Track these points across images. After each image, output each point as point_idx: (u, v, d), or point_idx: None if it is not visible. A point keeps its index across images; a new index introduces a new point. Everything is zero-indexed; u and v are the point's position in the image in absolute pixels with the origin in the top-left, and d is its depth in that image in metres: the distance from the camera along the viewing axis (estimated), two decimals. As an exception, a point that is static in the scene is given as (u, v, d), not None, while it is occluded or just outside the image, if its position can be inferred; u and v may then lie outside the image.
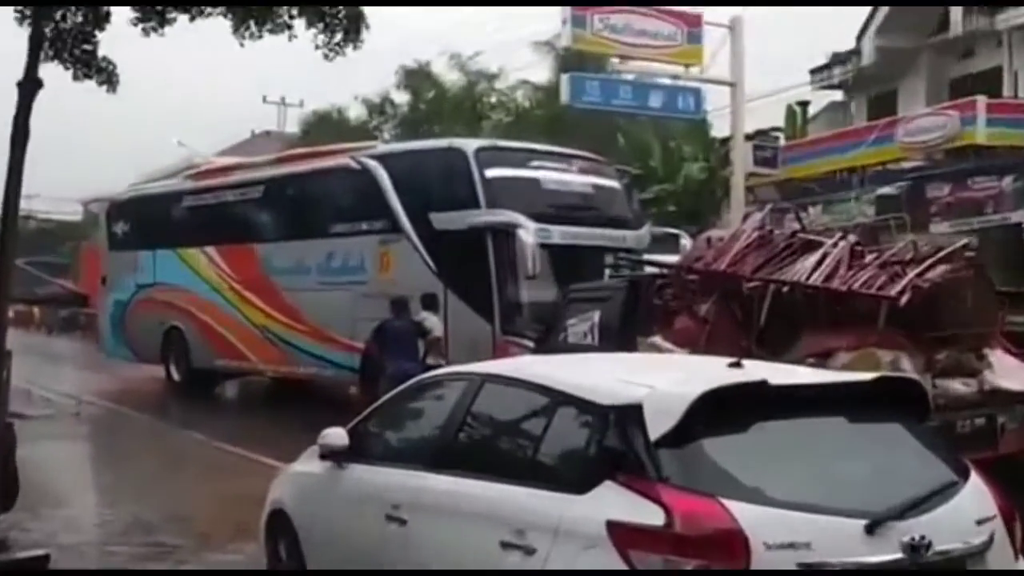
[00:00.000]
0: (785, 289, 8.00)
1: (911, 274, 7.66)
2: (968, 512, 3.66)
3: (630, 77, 19.08)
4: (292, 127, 39.37)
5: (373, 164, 14.12)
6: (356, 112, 35.20)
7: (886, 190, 20.58)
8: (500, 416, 4.54)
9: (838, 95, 25.69)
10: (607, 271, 12.52)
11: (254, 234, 16.26)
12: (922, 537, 3.45)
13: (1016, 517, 3.81)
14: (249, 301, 16.10)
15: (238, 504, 7.61)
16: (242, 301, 16.25)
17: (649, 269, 10.58)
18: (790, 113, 25.20)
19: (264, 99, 43.62)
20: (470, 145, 13.37)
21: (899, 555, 3.43)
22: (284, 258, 15.49)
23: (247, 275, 16.17)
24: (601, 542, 3.50)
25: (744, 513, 3.39)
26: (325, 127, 34.10)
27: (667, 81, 18.60)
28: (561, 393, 4.08)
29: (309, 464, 5.46)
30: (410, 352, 11.16)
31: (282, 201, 16.00)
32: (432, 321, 11.68)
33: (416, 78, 32.88)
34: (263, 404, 16.74)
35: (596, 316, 9.73)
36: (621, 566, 3.44)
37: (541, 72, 30.40)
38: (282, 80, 60.59)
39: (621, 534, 3.47)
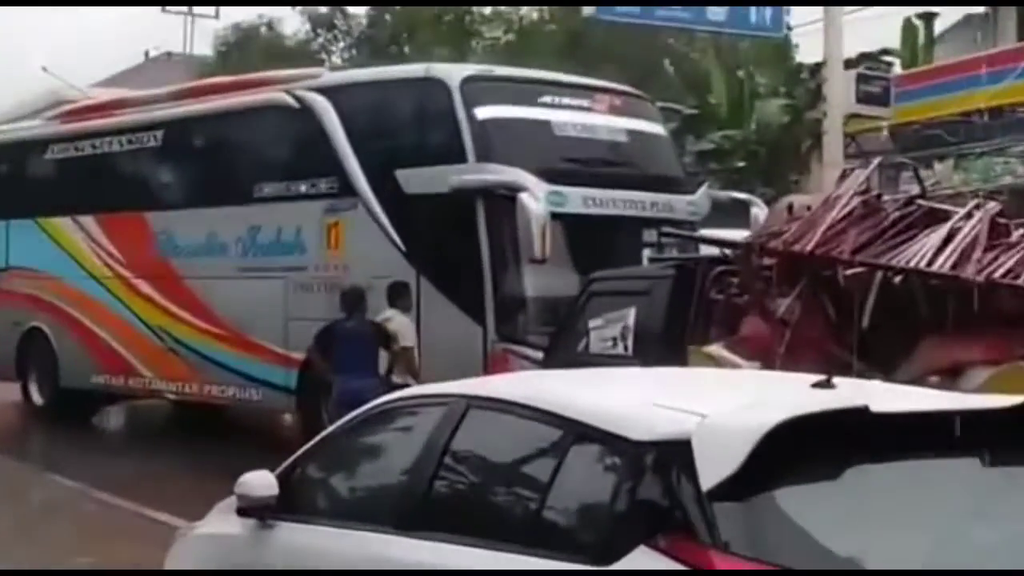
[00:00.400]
0: (898, 279, 8.01)
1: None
2: None
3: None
4: (203, 47, 39.40)
5: (317, 100, 14.16)
6: (294, 27, 35.22)
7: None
8: (492, 456, 4.55)
9: (977, 6, 25.66)
10: (646, 252, 12.53)
11: (148, 199, 16.33)
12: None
13: None
14: (140, 293, 16.19)
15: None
16: (131, 293, 16.33)
17: (706, 250, 10.58)
18: (908, 30, 25.21)
19: (164, 8, 43.53)
20: (454, 74, 13.40)
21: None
22: (190, 233, 15.56)
23: (138, 257, 16.25)
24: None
25: (839, 597, 3.41)
26: (250, 48, 34.11)
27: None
28: (578, 424, 4.09)
29: (222, 523, 5.47)
30: (366, 365, 11.19)
31: (187, 152, 16.05)
32: (400, 322, 11.71)
33: (378, -21, 32.88)
34: (161, 439, 16.78)
35: (630, 316, 9.74)
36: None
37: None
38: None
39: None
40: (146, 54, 43.61)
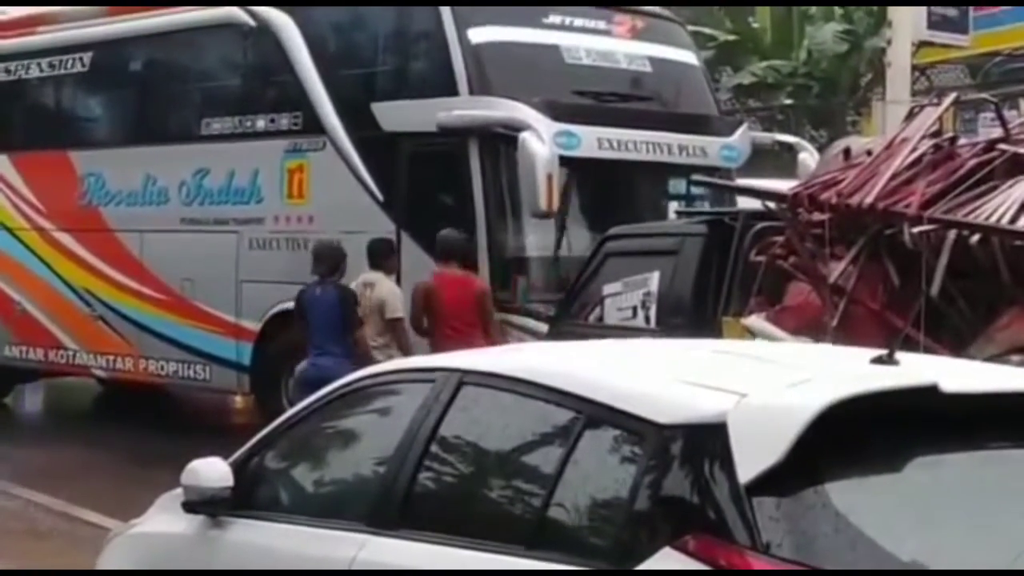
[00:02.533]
0: (976, 238, 8.01)
1: None
2: None
3: None
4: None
5: (278, 17, 14.13)
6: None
7: None
8: (489, 441, 4.58)
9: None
10: (673, 205, 12.56)
11: (72, 135, 16.38)
12: None
13: None
14: (63, 249, 16.19)
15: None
16: (51, 249, 16.33)
17: (745, 202, 10.61)
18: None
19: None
20: (443, -13, 13.42)
21: None
22: (123, 176, 15.55)
23: (60, 205, 16.25)
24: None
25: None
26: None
27: None
28: (591, 403, 4.11)
29: (165, 521, 5.51)
30: (336, 340, 11.22)
31: (120, 80, 16.06)
32: (386, 288, 11.70)
33: None
34: (88, 424, 16.82)
35: (653, 280, 9.79)
36: None
37: None
38: None
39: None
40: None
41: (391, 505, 4.59)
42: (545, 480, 4.17)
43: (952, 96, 10.37)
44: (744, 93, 26.34)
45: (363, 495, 4.80)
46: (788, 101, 26.28)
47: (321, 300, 11.47)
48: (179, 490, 5.32)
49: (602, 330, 9.69)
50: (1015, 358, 7.49)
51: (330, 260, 11.67)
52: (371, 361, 10.79)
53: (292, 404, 6.03)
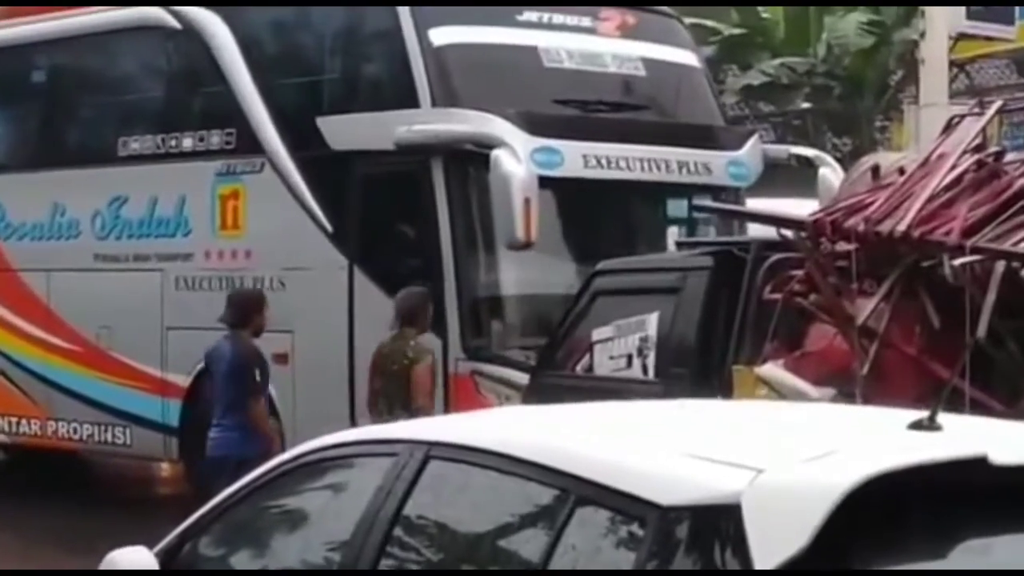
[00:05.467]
0: (1028, 271, 8.06)
1: None
2: None
3: None
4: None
5: (208, 19, 14.19)
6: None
7: None
8: (461, 524, 4.59)
9: None
10: (673, 233, 12.59)
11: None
12: None
13: None
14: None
15: None
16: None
17: (757, 229, 10.63)
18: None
19: None
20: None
21: None
22: (25, 206, 15.57)
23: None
24: None
25: None
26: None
27: None
28: (582, 481, 4.11)
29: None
30: (228, 406, 11.11)
31: (23, 92, 16.07)
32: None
33: None
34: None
35: (651, 323, 9.81)
36: None
37: None
38: None
39: None
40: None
41: (349, 602, 4.59)
42: (528, 571, 4.17)
43: (998, 102, 10.41)
44: (754, 96, 26.37)
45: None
46: (806, 105, 26.35)
47: (221, 357, 11.37)
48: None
49: (592, 382, 9.71)
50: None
51: (240, 307, 11.55)
52: (266, 439, 10.72)
53: (230, 481, 6.00)
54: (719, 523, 3.73)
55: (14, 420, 15.69)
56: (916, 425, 4.16)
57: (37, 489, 15.92)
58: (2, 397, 15.69)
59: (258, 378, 11.14)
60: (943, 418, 4.22)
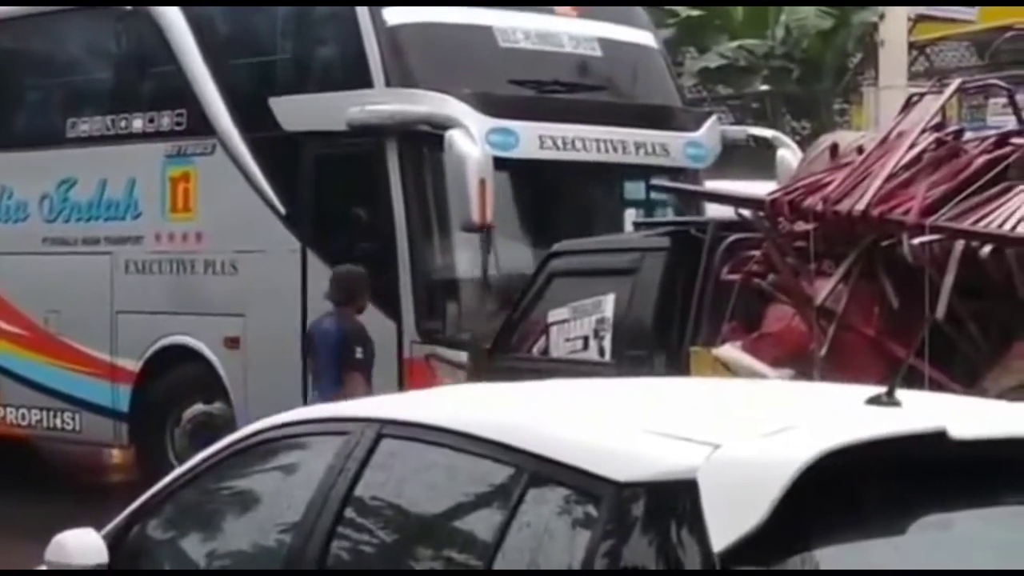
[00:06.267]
0: (987, 250, 8.07)
1: None
2: None
3: None
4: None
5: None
6: None
7: None
8: (414, 504, 4.57)
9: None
10: (630, 214, 12.60)
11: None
12: None
13: None
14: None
15: None
16: None
17: (715, 210, 10.65)
18: None
19: None
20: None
21: None
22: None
23: None
24: None
25: None
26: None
27: None
28: (535, 457, 4.10)
29: (27, 605, 5.48)
30: (332, 382, 11.19)
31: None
32: None
33: None
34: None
35: (608, 305, 9.83)
36: None
37: None
38: None
39: None
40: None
41: (300, 580, 4.57)
42: (482, 549, 4.15)
43: (957, 81, 10.45)
44: (712, 78, 26.46)
45: (268, 568, 4.78)
46: (764, 87, 26.43)
47: (326, 333, 11.44)
48: (43, 567, 5.25)
49: (547, 364, 9.72)
50: (1034, 392, 7.56)
51: (345, 286, 11.59)
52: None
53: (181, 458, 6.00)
54: (676, 499, 3.73)
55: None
56: (874, 400, 4.16)
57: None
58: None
59: (360, 355, 11.18)
60: (901, 394, 4.23)
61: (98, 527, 5.27)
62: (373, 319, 12.30)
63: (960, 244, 8.14)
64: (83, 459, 16.10)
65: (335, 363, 11.22)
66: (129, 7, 14.18)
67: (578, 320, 9.97)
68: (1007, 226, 8.10)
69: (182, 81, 13.75)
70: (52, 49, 15.36)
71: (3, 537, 11.46)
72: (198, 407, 13.11)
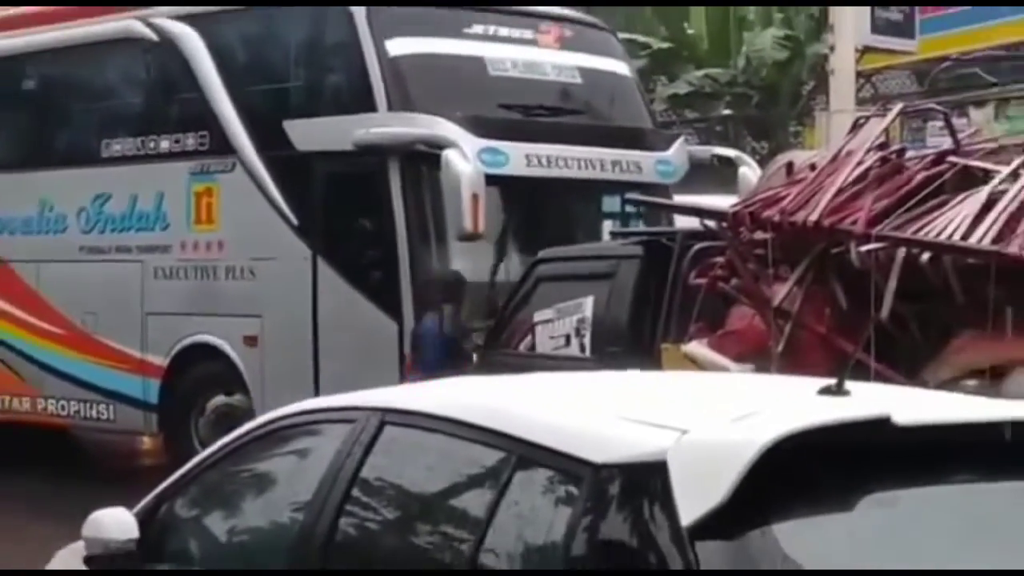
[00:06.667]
0: (926, 257, 8.07)
1: None
2: None
3: None
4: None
5: (182, 30, 14.09)
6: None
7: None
8: (413, 485, 4.56)
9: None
10: (607, 225, 12.60)
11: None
12: None
13: None
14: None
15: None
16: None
17: (683, 221, 10.65)
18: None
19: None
20: (358, -3, 13.40)
21: None
22: (17, 203, 15.43)
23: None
24: None
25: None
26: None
27: None
28: (522, 442, 4.09)
29: (65, 577, 5.44)
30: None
31: (13, 99, 15.92)
32: None
33: None
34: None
35: (587, 306, 9.82)
36: None
37: None
38: None
39: None
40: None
41: (310, 554, 4.55)
42: (475, 525, 4.14)
43: (899, 106, 10.46)
44: (680, 104, 26.45)
45: (280, 543, 4.76)
46: (727, 112, 26.43)
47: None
48: (80, 543, 5.24)
49: (533, 359, 9.71)
50: (970, 383, 7.56)
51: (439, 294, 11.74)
52: None
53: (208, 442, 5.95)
54: (648, 479, 3.72)
55: (6, 398, 15.57)
56: (825, 391, 4.15)
57: (27, 461, 15.83)
58: (-3, 377, 15.57)
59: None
60: (850, 385, 4.22)
61: (130, 507, 5.25)
62: (376, 319, 12.34)
63: (902, 251, 8.14)
64: (116, 446, 16.06)
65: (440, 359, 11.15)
66: (157, 39, 14.12)
67: (561, 320, 9.97)
68: (944, 235, 8.10)
69: (204, 106, 13.70)
70: (88, 77, 15.32)
71: (42, 517, 11.42)
72: (220, 398, 13.08)
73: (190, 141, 13.93)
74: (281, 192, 13.16)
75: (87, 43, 14.97)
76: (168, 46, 14.08)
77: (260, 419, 5.27)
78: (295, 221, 13.05)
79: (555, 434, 4.06)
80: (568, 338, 9.89)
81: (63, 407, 14.98)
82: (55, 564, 5.66)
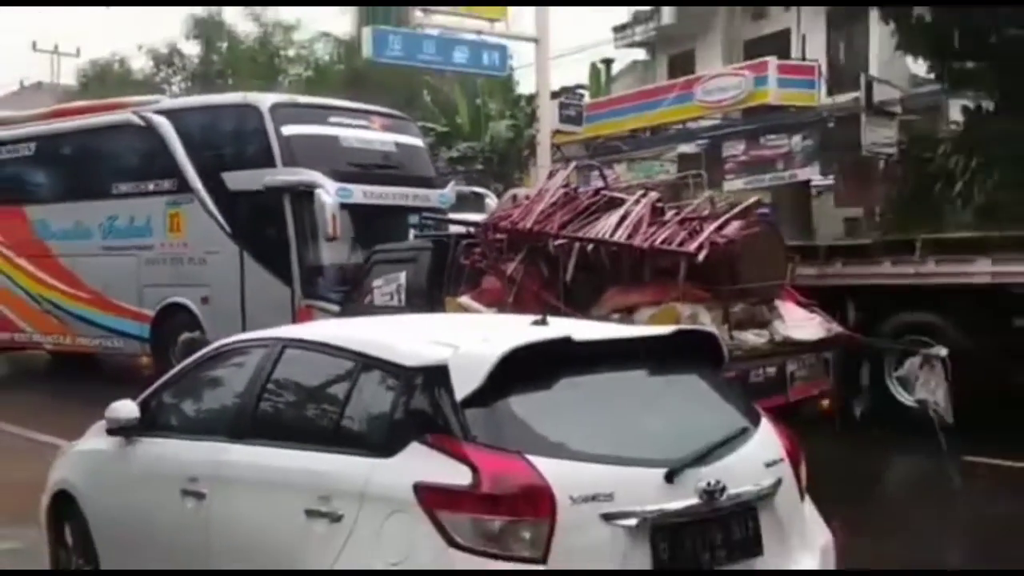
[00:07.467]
0: (590, 247, 8.19)
1: (708, 230, 8.01)
2: (758, 456, 3.90)
3: (435, 32, 18.96)
4: (67, 78, 37.11)
5: (159, 120, 13.54)
6: (141, 63, 33.55)
7: (686, 148, 21.47)
8: (303, 382, 4.49)
9: (642, 53, 26.52)
10: (412, 231, 12.55)
11: (26, 196, 15.34)
12: (717, 482, 3.66)
13: (801, 460, 4.10)
14: (22, 268, 15.23)
15: (15, 489, 7.21)
16: (13, 269, 15.35)
17: (455, 228, 10.67)
18: (594, 71, 25.82)
19: (34, 46, 40.79)
20: (265, 100, 13.01)
21: (696, 500, 3.63)
22: (60, 221, 14.72)
23: (19, 240, 15.27)
24: (408, 504, 3.53)
25: (549, 468, 3.48)
26: (106, 79, 32.31)
27: (472, 36, 18.58)
28: (365, 356, 4.07)
29: (96, 441, 5.24)
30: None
31: (57, 159, 15.14)
32: None
33: (207, 28, 31.57)
34: (41, 380, 15.84)
35: (402, 277, 9.76)
36: (430, 527, 3.48)
37: (342, 24, 29.83)
38: (57, 26, 56.67)
39: (428, 495, 3.51)
40: (21, 83, 40.67)
41: (244, 424, 4.46)
42: (338, 404, 4.11)
43: (574, 163, 10.57)
44: (454, 162, 26.44)
45: (225, 418, 4.65)
46: (479, 167, 26.50)
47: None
48: (104, 421, 5.07)
49: (372, 309, 9.62)
50: (614, 317, 7.72)
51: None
52: None
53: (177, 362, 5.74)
54: (437, 375, 3.73)
55: (55, 336, 14.86)
56: (536, 323, 4.22)
57: (70, 374, 15.23)
58: (48, 324, 14.81)
59: None
60: (551, 319, 4.30)
61: (133, 398, 5.10)
62: (278, 287, 12.08)
63: (578, 244, 8.27)
64: (124, 363, 15.47)
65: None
66: (144, 124, 13.59)
67: (388, 285, 9.89)
68: (599, 235, 8.24)
69: (174, 164, 13.19)
70: (104, 146, 14.57)
71: (82, 405, 10.94)
72: (187, 335, 12.65)
73: (166, 184, 13.39)
74: (221, 214, 12.75)
75: (103, 126, 14.32)
76: (151, 129, 13.53)
77: (212, 346, 5.12)
78: (229, 230, 12.67)
79: (384, 350, 4.03)
80: (392, 295, 9.83)
81: (91, 342, 14.37)
82: (90, 433, 5.45)
